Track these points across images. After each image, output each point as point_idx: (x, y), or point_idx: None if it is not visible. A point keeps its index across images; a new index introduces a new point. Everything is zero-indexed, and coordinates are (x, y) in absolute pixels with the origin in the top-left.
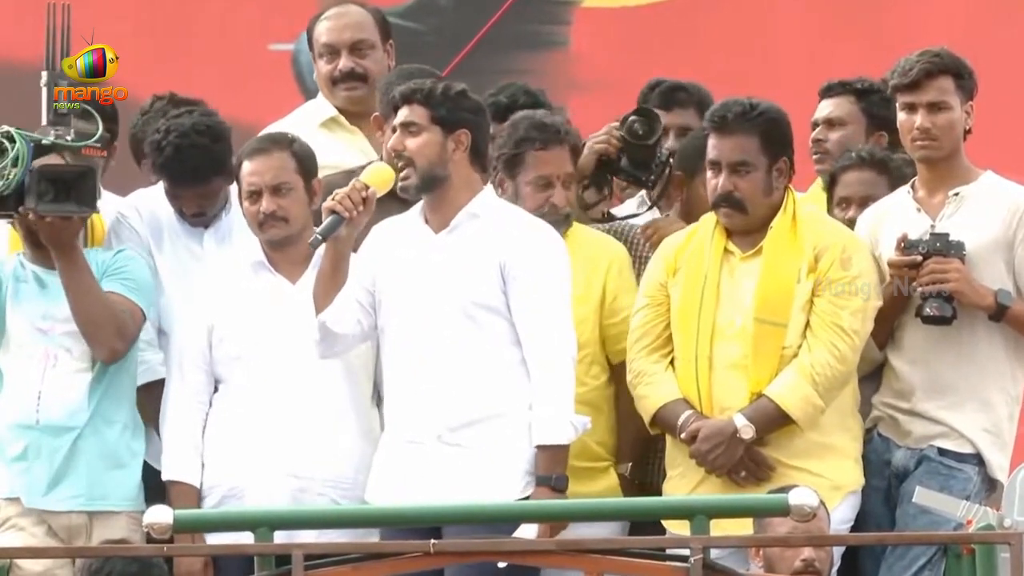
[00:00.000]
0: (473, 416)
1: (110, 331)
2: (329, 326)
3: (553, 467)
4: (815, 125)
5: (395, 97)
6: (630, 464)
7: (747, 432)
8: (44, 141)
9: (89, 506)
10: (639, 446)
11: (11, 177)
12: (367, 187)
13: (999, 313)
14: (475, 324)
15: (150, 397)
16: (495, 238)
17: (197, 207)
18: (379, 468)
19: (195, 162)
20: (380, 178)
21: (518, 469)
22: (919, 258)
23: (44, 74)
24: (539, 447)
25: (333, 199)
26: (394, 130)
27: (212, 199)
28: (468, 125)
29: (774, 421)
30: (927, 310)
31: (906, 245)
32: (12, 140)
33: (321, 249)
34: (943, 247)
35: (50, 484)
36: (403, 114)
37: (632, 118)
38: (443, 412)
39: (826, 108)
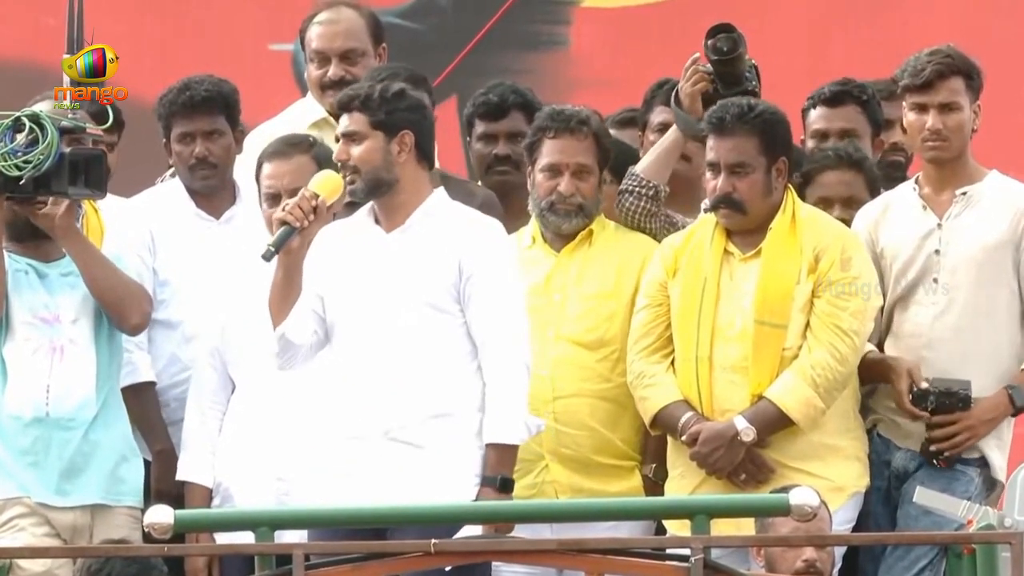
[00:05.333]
0: (424, 414)
1: (135, 301)
2: (289, 337)
3: (500, 467)
4: (823, 135)
5: (341, 104)
6: (654, 465)
7: (748, 435)
8: (65, 123)
9: (105, 499)
10: (664, 447)
11: (42, 160)
12: (317, 196)
13: (1018, 411)
14: (430, 321)
15: (135, 399)
16: (450, 236)
17: (206, 150)
18: (320, 466)
19: (204, 92)
20: (329, 186)
21: (469, 471)
22: (927, 415)
23: (67, 56)
24: (488, 446)
25: (283, 209)
26: (337, 140)
27: (219, 141)
28: (410, 126)
29: (775, 423)
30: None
31: (915, 398)
32: (39, 122)
33: None
34: (951, 404)
35: (62, 478)
36: (343, 123)
37: (713, 39)
38: (393, 408)
39: (838, 120)
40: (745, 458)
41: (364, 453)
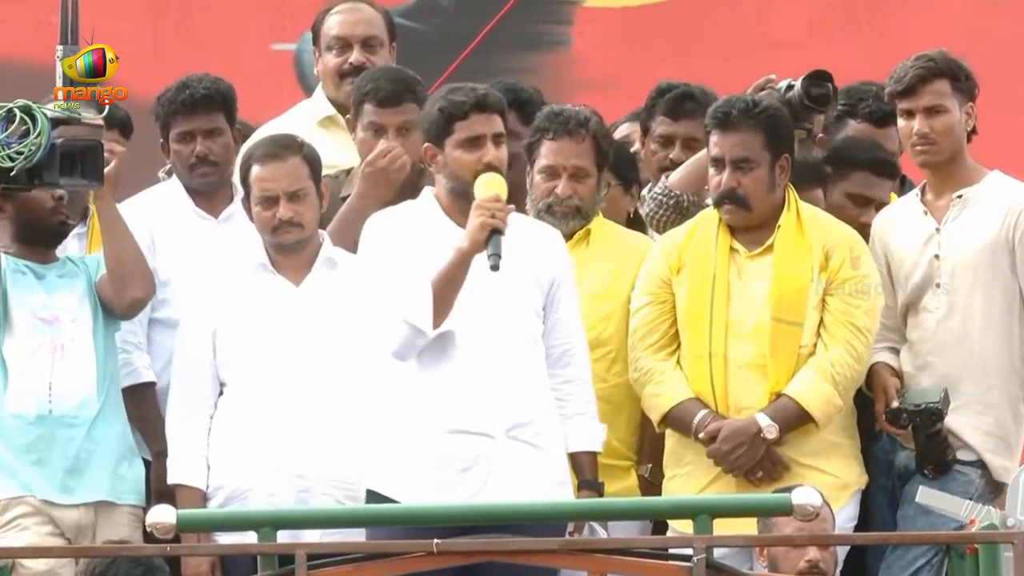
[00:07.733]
0: (531, 415)
1: (139, 277)
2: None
3: (595, 472)
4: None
5: (487, 104)
6: (650, 466)
7: (771, 432)
8: (57, 114)
9: (110, 497)
10: (661, 447)
11: (33, 151)
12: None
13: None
14: (534, 326)
15: (135, 400)
16: (534, 245)
17: (206, 148)
18: (435, 459)
19: (203, 90)
20: (504, 189)
21: (567, 472)
22: (906, 431)
23: (59, 48)
24: (586, 453)
25: (493, 217)
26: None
27: (219, 139)
28: None
29: (795, 420)
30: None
31: (889, 417)
32: (30, 113)
33: (330, 252)
34: (923, 421)
35: (66, 475)
36: (493, 123)
37: (808, 82)
38: (511, 408)
39: (850, 131)
40: (763, 455)
41: (487, 450)
